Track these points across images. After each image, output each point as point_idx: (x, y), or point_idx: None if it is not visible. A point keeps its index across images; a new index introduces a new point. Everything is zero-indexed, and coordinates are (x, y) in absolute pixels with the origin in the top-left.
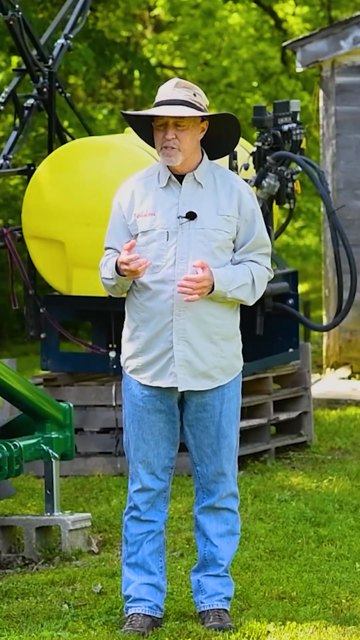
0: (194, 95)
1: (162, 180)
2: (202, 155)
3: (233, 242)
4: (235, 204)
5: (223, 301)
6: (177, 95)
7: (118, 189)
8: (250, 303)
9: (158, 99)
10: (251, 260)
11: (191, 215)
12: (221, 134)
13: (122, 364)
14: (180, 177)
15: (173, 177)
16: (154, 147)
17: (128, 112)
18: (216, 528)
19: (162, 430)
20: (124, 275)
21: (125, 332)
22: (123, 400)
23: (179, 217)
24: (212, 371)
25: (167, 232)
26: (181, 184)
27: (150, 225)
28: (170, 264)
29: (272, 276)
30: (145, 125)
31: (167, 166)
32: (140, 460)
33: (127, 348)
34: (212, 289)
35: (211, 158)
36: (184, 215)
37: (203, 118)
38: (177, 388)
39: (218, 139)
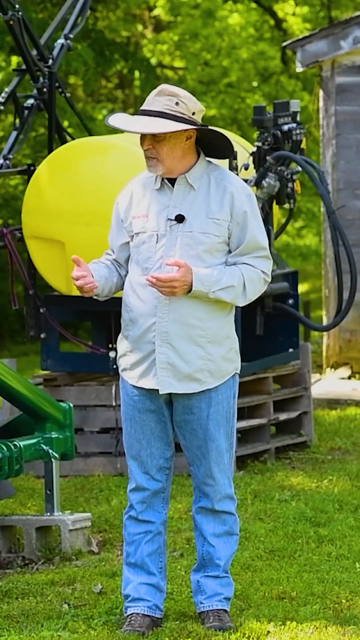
0: (176, 104)
1: (157, 183)
2: (198, 156)
3: (227, 244)
4: (227, 206)
5: (209, 303)
6: (155, 105)
7: (121, 190)
8: (239, 305)
9: (143, 105)
10: (244, 263)
11: (179, 218)
12: (213, 138)
13: (117, 362)
14: (173, 180)
15: (166, 180)
16: None
17: (110, 122)
18: (213, 528)
19: (154, 430)
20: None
21: (121, 331)
22: (120, 398)
23: (167, 220)
24: (197, 374)
25: (157, 234)
26: (174, 186)
27: (142, 227)
28: (157, 267)
29: (269, 280)
30: None
31: None
32: (134, 459)
33: (119, 347)
34: (191, 288)
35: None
36: (173, 217)
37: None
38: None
39: (211, 141)
